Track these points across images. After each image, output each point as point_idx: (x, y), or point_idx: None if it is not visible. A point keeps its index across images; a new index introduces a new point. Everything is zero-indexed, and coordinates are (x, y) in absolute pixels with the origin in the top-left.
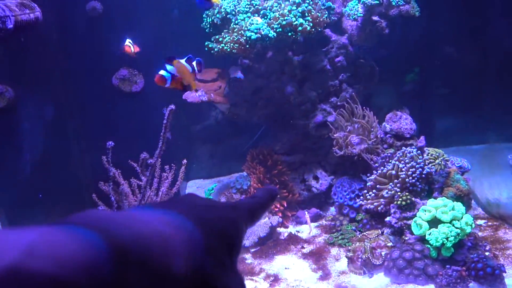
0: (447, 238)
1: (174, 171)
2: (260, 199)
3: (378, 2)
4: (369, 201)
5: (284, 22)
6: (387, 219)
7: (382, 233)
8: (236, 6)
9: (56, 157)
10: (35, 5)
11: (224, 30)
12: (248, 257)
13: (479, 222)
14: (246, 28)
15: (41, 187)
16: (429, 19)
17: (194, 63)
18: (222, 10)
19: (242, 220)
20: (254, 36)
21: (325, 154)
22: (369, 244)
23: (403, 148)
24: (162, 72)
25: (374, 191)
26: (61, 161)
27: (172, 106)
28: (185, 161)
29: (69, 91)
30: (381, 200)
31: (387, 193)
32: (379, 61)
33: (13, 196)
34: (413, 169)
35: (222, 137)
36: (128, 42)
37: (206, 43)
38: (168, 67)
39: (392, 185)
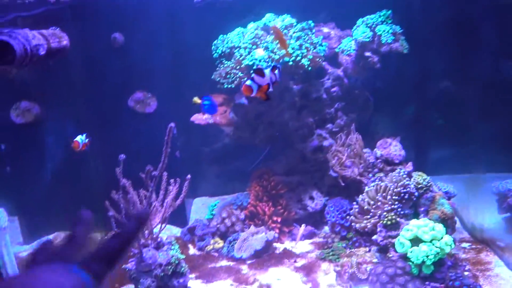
0: (427, 256)
1: (178, 185)
2: (112, 244)
3: (369, 40)
4: (357, 221)
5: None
6: (374, 237)
7: (370, 250)
8: (241, 40)
9: (73, 168)
10: (65, 34)
11: (227, 62)
12: (244, 268)
13: (464, 245)
14: (247, 58)
15: (59, 194)
16: (423, 55)
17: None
18: (230, 43)
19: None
20: (251, 64)
21: (321, 176)
22: (356, 259)
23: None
24: (248, 82)
25: (359, 208)
26: (78, 171)
27: (172, 124)
28: (189, 176)
29: (89, 110)
30: (367, 221)
31: (373, 213)
32: (375, 92)
33: (33, 200)
34: (398, 189)
35: (228, 159)
36: (79, 137)
37: (212, 77)
38: (256, 77)
39: (379, 205)
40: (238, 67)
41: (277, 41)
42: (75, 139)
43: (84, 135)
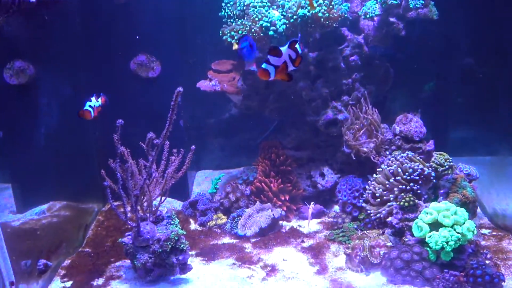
0: (447, 242)
1: (181, 156)
2: None
3: (396, 2)
4: (372, 208)
5: (300, 13)
6: (389, 219)
7: (383, 233)
8: None
9: (69, 132)
10: None
11: (241, 20)
12: (248, 247)
13: (484, 231)
14: (262, 18)
15: (55, 161)
16: (448, 29)
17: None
18: (242, 2)
19: None
20: (267, 25)
21: (333, 152)
22: (368, 242)
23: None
24: (263, 65)
25: (371, 193)
26: (74, 136)
27: (180, 88)
28: (193, 147)
29: (87, 71)
30: (381, 209)
31: (387, 196)
32: (395, 64)
33: (26, 165)
34: (412, 170)
35: (234, 132)
36: (88, 106)
37: (220, 32)
38: (271, 58)
39: (392, 186)
40: (253, 27)
41: None
42: (85, 109)
43: (94, 96)
